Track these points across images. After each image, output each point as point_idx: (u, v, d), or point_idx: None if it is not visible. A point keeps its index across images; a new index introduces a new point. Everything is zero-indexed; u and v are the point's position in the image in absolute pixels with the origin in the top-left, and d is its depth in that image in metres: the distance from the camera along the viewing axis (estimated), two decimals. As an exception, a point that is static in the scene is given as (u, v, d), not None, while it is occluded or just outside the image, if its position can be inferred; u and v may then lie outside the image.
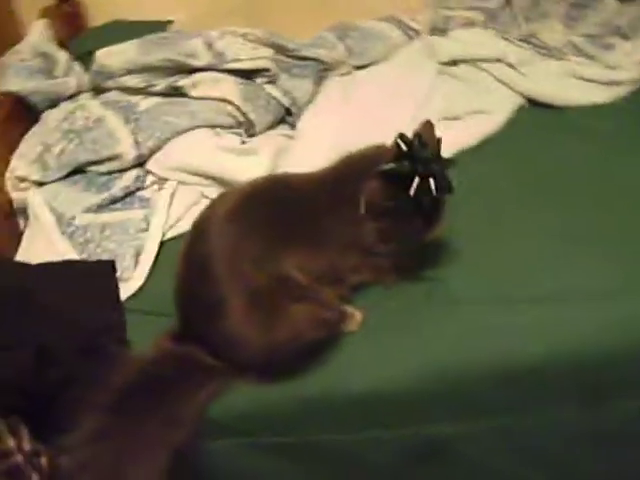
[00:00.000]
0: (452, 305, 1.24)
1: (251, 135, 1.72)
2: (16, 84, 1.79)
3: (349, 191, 1.19)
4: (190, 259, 1.16)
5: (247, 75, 1.80)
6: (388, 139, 1.22)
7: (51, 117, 1.76)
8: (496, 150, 1.62)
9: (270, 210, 1.18)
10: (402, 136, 1.18)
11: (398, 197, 1.15)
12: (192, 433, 1.12)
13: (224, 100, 1.71)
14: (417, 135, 1.18)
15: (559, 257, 1.29)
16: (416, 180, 1.13)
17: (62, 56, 1.97)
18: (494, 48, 1.87)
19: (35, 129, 1.75)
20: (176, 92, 1.74)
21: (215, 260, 1.11)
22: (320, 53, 1.90)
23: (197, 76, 1.75)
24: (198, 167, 1.57)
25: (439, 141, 1.21)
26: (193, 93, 1.73)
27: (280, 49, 1.88)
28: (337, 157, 1.26)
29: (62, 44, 2.04)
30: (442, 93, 1.79)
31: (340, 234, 1.21)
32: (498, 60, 1.84)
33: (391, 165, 1.15)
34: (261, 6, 2.18)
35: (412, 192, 1.13)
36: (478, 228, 1.36)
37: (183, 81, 1.74)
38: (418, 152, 1.15)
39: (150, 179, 1.61)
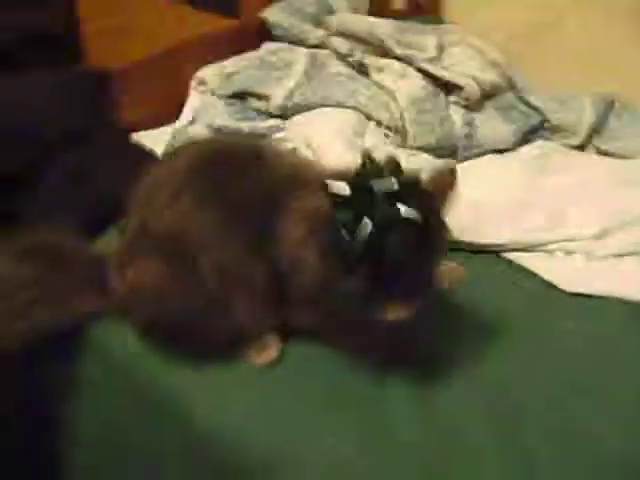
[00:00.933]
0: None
1: (403, 147, 1.51)
2: (275, 15, 1.83)
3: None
4: None
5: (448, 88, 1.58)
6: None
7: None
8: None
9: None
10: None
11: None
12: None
13: (393, 95, 1.53)
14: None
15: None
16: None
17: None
18: None
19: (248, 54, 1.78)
20: (360, 67, 1.62)
21: None
22: (555, 114, 1.57)
23: (387, 62, 1.60)
24: (317, 147, 1.46)
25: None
26: (374, 76, 1.59)
27: (510, 85, 1.60)
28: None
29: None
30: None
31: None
32: None
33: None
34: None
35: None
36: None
37: (370, 59, 1.61)
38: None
39: (278, 135, 1.55)
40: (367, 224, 0.87)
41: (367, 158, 0.95)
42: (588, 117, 1.56)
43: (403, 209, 0.88)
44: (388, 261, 0.89)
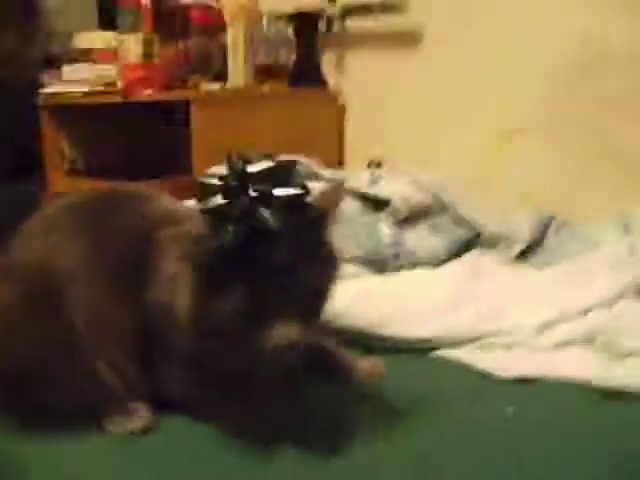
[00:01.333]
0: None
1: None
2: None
3: None
4: None
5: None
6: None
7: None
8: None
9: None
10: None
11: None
12: None
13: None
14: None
15: None
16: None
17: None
18: None
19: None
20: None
21: None
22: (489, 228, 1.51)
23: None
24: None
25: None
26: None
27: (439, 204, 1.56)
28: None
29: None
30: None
31: None
32: None
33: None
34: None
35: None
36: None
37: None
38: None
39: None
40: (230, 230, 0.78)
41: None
42: (524, 231, 1.50)
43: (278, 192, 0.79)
44: (260, 266, 0.78)
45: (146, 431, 0.92)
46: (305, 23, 2.57)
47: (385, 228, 1.49)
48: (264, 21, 2.53)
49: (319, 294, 0.88)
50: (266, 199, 0.79)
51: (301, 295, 0.83)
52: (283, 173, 0.81)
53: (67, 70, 2.56)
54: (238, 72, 2.47)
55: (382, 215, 1.53)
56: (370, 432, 0.92)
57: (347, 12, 2.47)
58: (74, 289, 0.91)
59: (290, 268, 0.80)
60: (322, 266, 0.86)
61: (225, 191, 0.79)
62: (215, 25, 2.67)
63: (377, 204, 1.54)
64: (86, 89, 2.44)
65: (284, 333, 0.81)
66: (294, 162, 0.84)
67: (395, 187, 1.56)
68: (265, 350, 0.82)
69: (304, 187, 0.82)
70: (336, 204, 0.90)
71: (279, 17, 2.54)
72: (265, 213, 0.78)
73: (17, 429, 0.92)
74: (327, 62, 2.65)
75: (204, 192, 0.80)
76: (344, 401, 1.01)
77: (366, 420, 0.95)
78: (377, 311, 1.24)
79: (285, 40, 2.52)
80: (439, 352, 1.19)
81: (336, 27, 2.60)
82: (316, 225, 0.85)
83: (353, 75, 2.59)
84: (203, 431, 0.92)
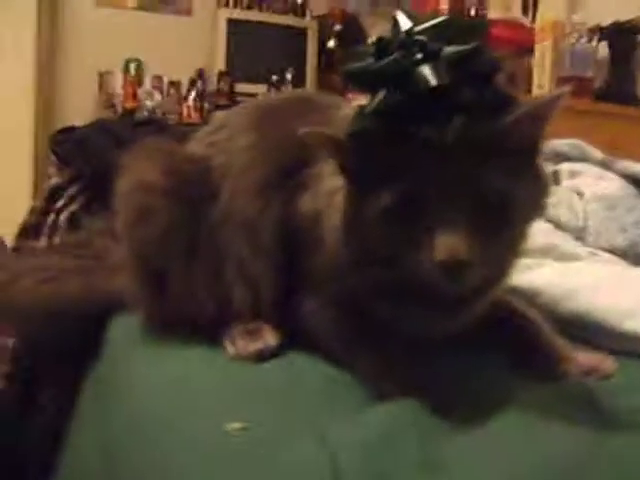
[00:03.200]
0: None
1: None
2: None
3: None
4: None
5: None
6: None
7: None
8: None
9: None
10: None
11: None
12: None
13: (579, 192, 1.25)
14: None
15: None
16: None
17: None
18: None
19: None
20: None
21: None
22: None
23: (584, 166, 1.34)
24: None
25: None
26: (564, 182, 1.33)
27: None
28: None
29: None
30: None
31: None
32: None
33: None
34: None
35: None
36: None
37: (561, 166, 1.36)
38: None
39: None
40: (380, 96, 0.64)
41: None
42: None
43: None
44: (418, 147, 0.63)
45: (264, 358, 0.81)
46: (622, 36, 2.33)
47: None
48: (574, 34, 2.33)
49: (509, 208, 0.66)
50: (429, 56, 0.63)
51: (479, 199, 0.64)
52: (457, 30, 0.65)
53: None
54: (543, 85, 2.32)
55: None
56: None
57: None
58: (226, 184, 0.85)
59: (460, 156, 0.63)
60: (512, 163, 0.66)
61: (380, 50, 0.65)
62: (523, 44, 2.56)
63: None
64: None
65: (450, 245, 0.63)
66: (477, 22, 0.68)
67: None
68: (422, 268, 0.65)
69: (477, 46, 0.64)
70: (549, 113, 0.68)
71: (592, 29, 2.33)
72: (425, 70, 0.63)
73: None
74: (643, 79, 2.36)
75: (357, 57, 0.68)
76: (532, 393, 0.74)
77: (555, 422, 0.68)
78: (625, 301, 0.98)
79: (592, 54, 2.29)
80: None
81: (658, 38, 2.31)
82: (504, 106, 0.66)
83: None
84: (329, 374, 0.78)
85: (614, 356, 0.84)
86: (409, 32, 0.65)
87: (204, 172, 0.87)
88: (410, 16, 0.67)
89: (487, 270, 0.67)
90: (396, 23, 0.67)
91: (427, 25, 0.66)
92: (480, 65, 0.64)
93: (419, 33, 0.65)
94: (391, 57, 0.64)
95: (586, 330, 0.95)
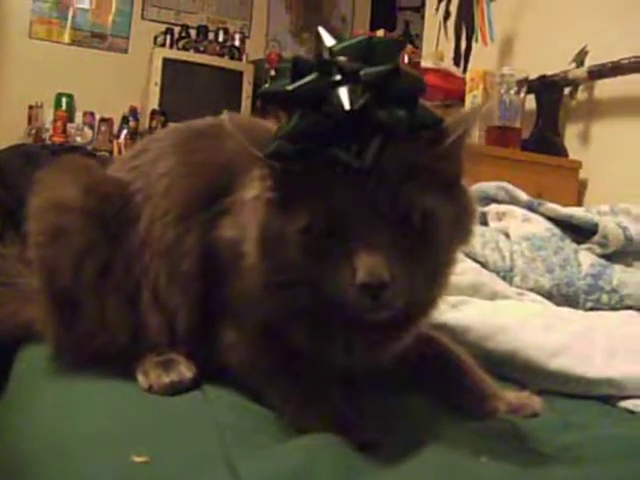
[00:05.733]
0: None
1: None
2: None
3: None
4: None
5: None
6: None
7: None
8: None
9: None
10: None
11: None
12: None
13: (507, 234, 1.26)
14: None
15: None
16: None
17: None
18: None
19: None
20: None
21: None
22: None
23: (509, 208, 1.35)
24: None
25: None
26: (492, 224, 1.34)
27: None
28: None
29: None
30: None
31: None
32: None
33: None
34: None
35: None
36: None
37: (489, 207, 1.37)
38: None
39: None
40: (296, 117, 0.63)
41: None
42: None
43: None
44: (336, 168, 0.62)
45: (179, 391, 0.76)
46: (548, 89, 2.40)
47: (585, 258, 1.21)
48: (504, 85, 2.39)
49: (433, 227, 0.65)
50: (347, 77, 0.62)
51: (401, 219, 0.63)
52: (379, 50, 0.64)
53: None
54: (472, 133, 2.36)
55: (584, 246, 1.26)
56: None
57: (594, 74, 2.25)
58: (146, 209, 0.81)
59: (380, 177, 0.62)
60: (434, 183, 0.65)
61: (296, 71, 0.63)
62: (453, 92, 2.62)
63: (579, 232, 1.28)
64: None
65: (370, 266, 0.61)
66: (396, 40, 0.67)
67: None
68: (341, 290, 0.63)
69: (397, 66, 0.63)
70: (467, 128, 0.68)
71: (520, 82, 2.40)
72: (342, 93, 0.61)
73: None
74: (569, 131, 2.43)
75: (278, 76, 0.66)
76: (459, 430, 0.73)
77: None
78: (552, 339, 0.97)
79: (520, 105, 2.36)
80: (627, 403, 0.89)
81: (582, 93, 2.39)
82: (424, 128, 0.65)
83: (598, 146, 2.34)
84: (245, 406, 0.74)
85: (542, 395, 0.83)
86: (331, 50, 0.64)
87: (124, 195, 0.83)
88: (333, 34, 0.66)
89: (410, 293, 0.65)
90: (319, 39, 0.66)
91: (347, 43, 0.65)
92: (402, 85, 0.63)
93: (340, 51, 0.64)
94: (306, 78, 0.63)
95: (514, 368, 0.94)
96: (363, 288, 0.61)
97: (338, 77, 0.62)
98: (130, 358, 0.80)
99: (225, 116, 0.67)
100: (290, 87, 0.62)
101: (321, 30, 0.65)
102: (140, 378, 0.78)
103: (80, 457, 0.61)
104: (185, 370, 0.78)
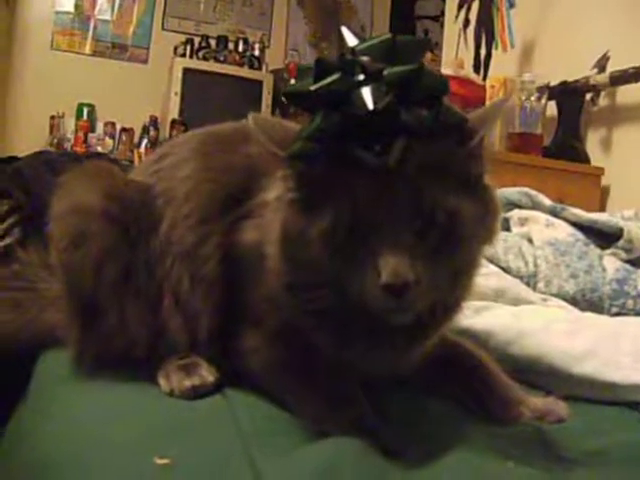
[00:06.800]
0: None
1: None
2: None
3: None
4: None
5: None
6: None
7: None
8: None
9: None
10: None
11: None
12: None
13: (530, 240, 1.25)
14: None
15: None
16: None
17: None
18: None
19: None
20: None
21: None
22: None
23: (532, 214, 1.33)
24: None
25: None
26: (514, 229, 1.33)
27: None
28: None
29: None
30: None
31: None
32: None
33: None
34: None
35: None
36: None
37: (511, 213, 1.36)
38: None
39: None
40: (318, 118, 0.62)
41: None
42: None
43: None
44: (359, 169, 0.61)
45: (200, 395, 0.76)
46: (569, 95, 2.39)
47: (610, 263, 1.20)
48: (524, 92, 2.38)
49: (457, 227, 0.64)
50: (371, 77, 0.61)
51: (425, 219, 0.62)
52: (402, 50, 0.63)
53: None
54: (493, 140, 2.36)
55: (608, 251, 1.25)
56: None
57: (616, 80, 2.23)
58: (167, 213, 0.81)
59: (403, 177, 0.62)
60: (458, 183, 0.64)
61: (319, 71, 0.62)
62: (473, 99, 2.61)
63: (603, 237, 1.26)
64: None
65: (394, 267, 0.60)
66: (419, 39, 0.66)
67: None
68: (365, 291, 0.62)
69: (420, 66, 0.62)
70: (490, 122, 0.68)
71: (541, 88, 2.38)
72: (365, 93, 0.61)
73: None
74: (591, 137, 2.41)
75: (301, 76, 0.65)
76: (484, 436, 0.71)
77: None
78: (577, 345, 0.96)
79: (541, 112, 2.34)
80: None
81: (603, 99, 2.37)
82: (448, 128, 0.65)
83: (620, 153, 2.32)
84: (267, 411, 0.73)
85: (567, 400, 0.82)
86: (354, 50, 0.64)
87: (146, 199, 0.83)
88: (356, 34, 0.66)
89: (435, 294, 0.64)
90: (342, 39, 0.65)
91: (370, 43, 0.64)
92: (425, 85, 0.63)
93: (363, 51, 0.64)
94: (329, 78, 0.62)
95: (538, 374, 0.93)
96: (387, 289, 0.60)
97: (361, 77, 0.62)
98: (152, 362, 0.80)
99: (249, 117, 0.66)
100: (313, 87, 0.62)
101: (344, 30, 0.65)
102: (162, 382, 0.78)
103: (102, 460, 0.61)
104: (207, 374, 0.78)
